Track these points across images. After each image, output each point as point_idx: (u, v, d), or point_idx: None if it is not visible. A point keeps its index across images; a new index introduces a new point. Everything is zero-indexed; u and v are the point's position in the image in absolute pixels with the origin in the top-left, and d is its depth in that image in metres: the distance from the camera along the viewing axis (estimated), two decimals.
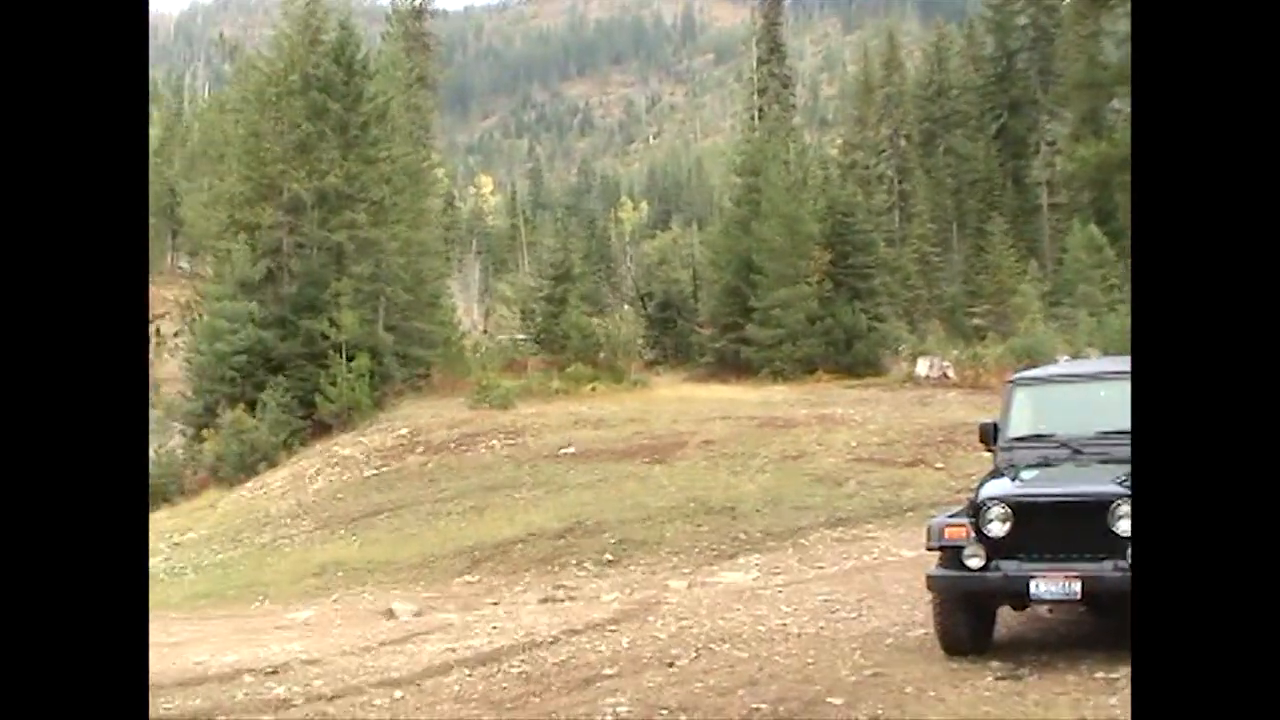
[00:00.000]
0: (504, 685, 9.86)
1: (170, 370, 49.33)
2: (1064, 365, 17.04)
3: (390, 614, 15.34)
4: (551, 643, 11.40)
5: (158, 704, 9.33)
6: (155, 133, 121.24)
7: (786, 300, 46.04)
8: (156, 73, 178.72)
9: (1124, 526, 8.53)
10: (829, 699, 8.45)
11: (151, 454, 37.46)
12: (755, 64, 68.86)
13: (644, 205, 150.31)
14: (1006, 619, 9.90)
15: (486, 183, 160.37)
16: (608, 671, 10.01)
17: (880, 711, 8.06)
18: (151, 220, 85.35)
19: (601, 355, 46.95)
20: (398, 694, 9.82)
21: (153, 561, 23.34)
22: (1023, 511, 9.11)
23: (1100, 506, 8.78)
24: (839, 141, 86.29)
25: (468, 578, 18.36)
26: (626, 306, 64.42)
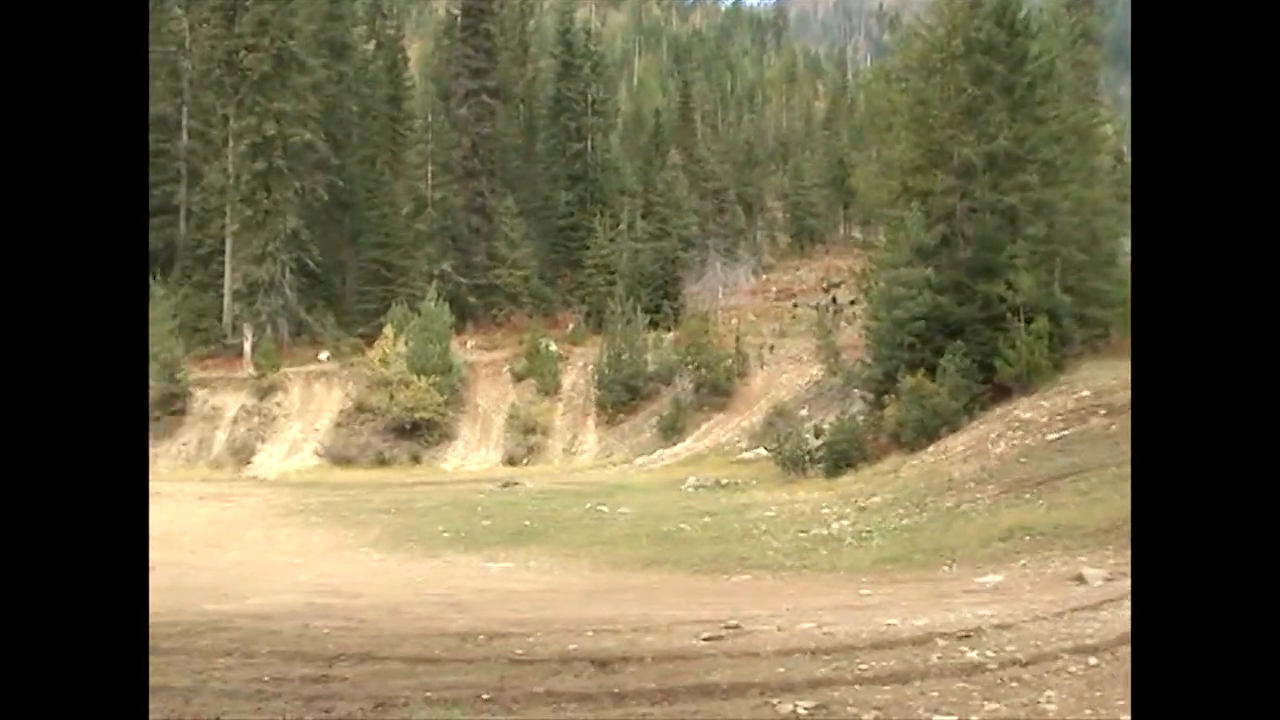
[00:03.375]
0: None
1: (848, 338, 50.72)
2: None
3: (1080, 579, 14.85)
4: None
5: (854, 665, 9.45)
6: (821, 106, 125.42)
7: None
8: (819, 49, 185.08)
9: None
10: None
11: (833, 420, 38.69)
12: None
13: None
14: None
15: None
16: None
17: None
18: (822, 191, 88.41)
19: None
20: (1092, 660, 9.42)
21: (840, 525, 23.98)
22: None
23: None
24: None
25: None
26: None
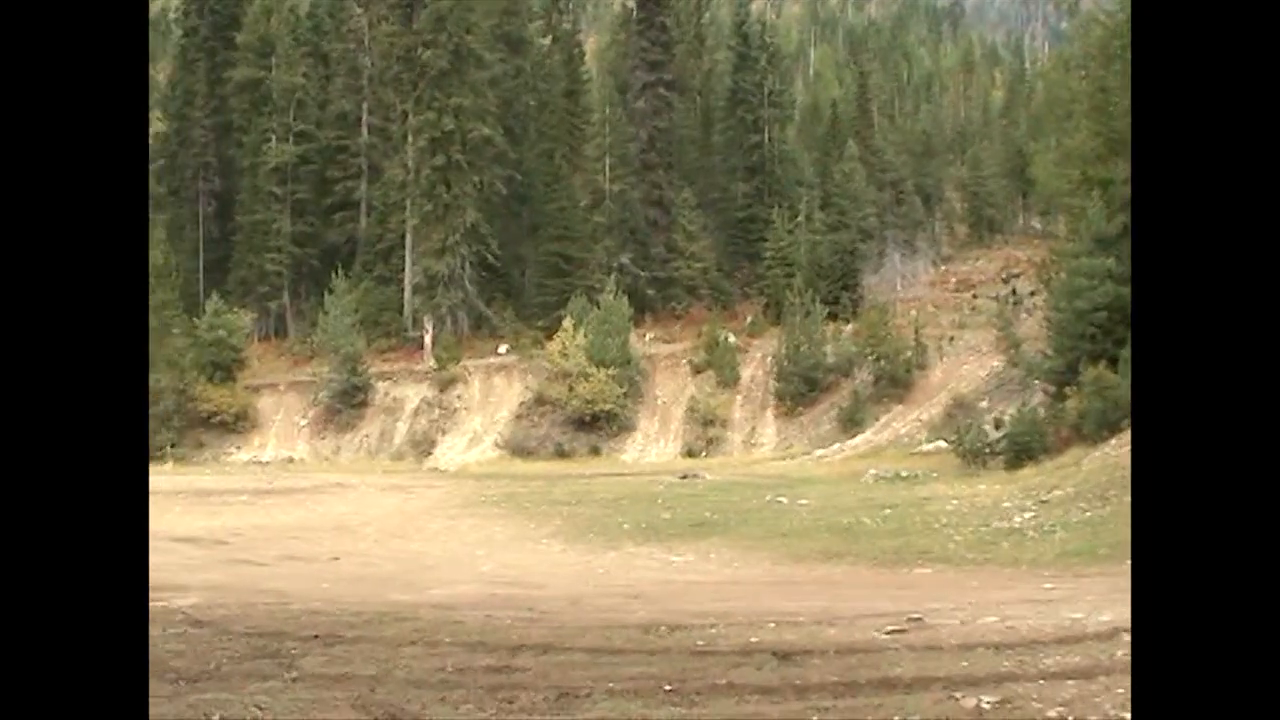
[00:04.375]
0: None
1: (1028, 329, 49.77)
2: None
3: None
4: None
5: (1038, 660, 9.29)
6: (998, 94, 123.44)
7: None
8: (996, 36, 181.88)
9: None
10: None
11: (1014, 412, 38.03)
12: None
13: None
14: None
15: None
16: None
17: None
18: (1001, 181, 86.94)
19: None
20: None
21: (1021, 518, 23.56)
22: None
23: None
24: None
25: None
26: None
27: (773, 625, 11.44)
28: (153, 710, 8.09)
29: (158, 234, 63.08)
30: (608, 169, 65.95)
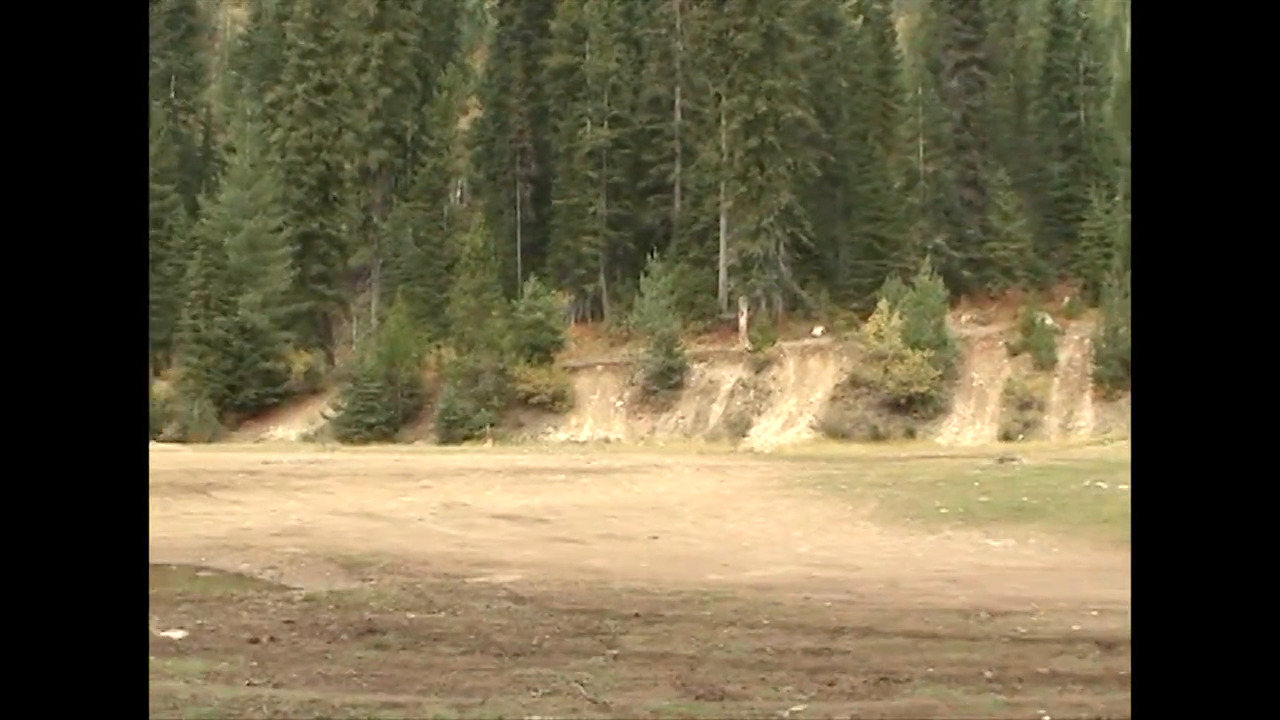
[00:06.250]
0: None
1: None
2: None
3: None
4: None
5: None
6: None
7: None
8: None
9: None
10: None
11: None
12: None
13: None
14: None
15: None
16: None
17: None
18: None
19: None
20: None
21: None
22: None
23: None
24: None
25: None
26: None
27: (1095, 613, 11.22)
28: (478, 682, 8.51)
29: (477, 218, 65.44)
30: (921, 149, 64.99)
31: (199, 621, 11.44)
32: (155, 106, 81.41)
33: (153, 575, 17.23)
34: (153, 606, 12.32)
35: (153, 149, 71.39)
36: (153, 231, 68.22)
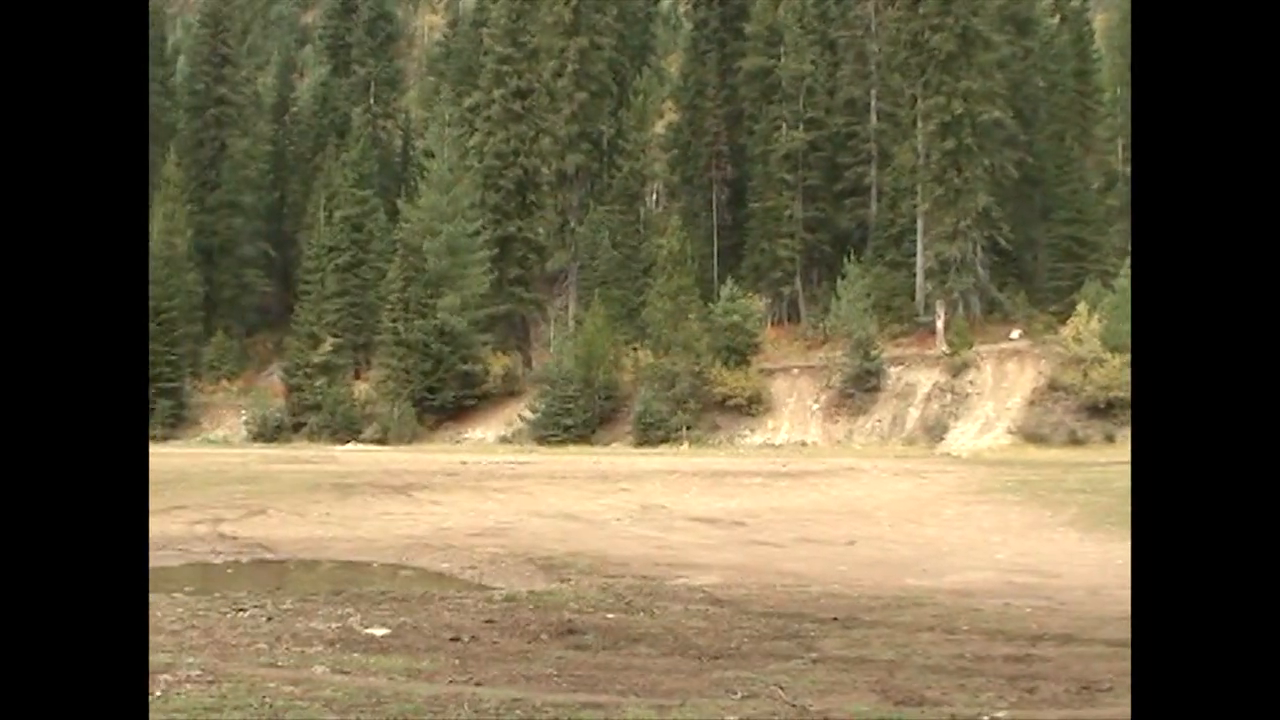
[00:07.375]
0: None
1: None
2: None
3: None
4: None
5: None
6: None
7: None
8: None
9: None
10: None
11: None
12: None
13: None
14: None
15: None
16: None
17: None
18: None
19: None
20: None
21: None
22: None
23: None
24: None
25: None
26: None
27: None
28: (677, 684, 8.69)
29: (673, 221, 65.89)
30: (1120, 150, 63.50)
31: (401, 619, 11.78)
32: (355, 113, 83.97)
33: (355, 573, 17.92)
34: (355, 604, 12.85)
35: (353, 155, 73.69)
36: (353, 236, 70.55)
